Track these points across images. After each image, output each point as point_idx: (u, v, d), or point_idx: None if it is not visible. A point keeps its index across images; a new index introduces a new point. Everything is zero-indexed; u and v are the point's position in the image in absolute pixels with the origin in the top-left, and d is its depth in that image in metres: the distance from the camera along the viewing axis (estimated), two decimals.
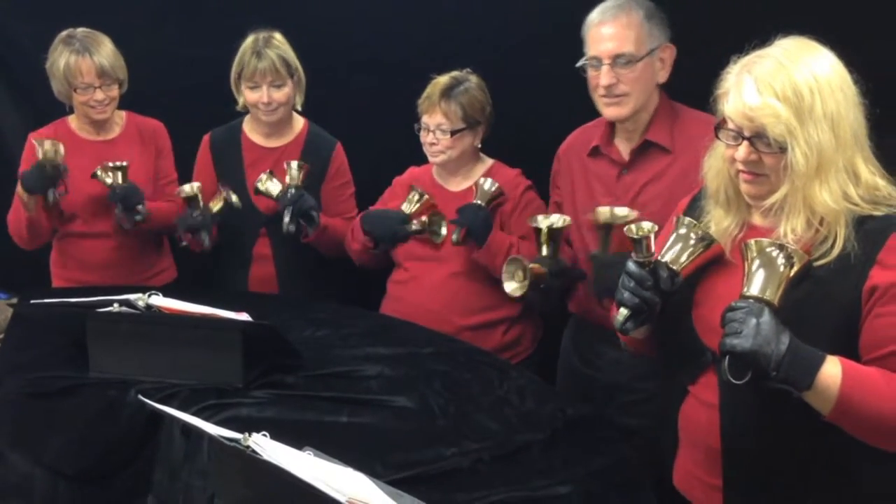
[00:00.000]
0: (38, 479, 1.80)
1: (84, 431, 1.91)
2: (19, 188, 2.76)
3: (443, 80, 2.60)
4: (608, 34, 2.21)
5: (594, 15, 2.26)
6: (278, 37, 2.81)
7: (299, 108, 2.93)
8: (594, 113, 2.35)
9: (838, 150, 1.47)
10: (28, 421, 1.95)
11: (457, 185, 2.69)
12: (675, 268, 1.58)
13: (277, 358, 2.10)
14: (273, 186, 2.76)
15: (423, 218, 2.60)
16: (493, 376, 2.15)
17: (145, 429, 1.90)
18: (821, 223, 1.49)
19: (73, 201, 2.84)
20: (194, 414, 1.74)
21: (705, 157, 1.66)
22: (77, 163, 2.81)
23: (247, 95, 2.82)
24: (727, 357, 1.41)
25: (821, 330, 1.47)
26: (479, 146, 2.67)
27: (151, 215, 2.83)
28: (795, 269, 1.45)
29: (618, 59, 2.20)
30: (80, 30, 2.82)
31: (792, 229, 1.50)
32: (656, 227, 1.62)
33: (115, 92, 2.84)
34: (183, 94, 3.22)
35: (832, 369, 1.41)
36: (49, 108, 3.02)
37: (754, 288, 1.44)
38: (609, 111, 2.28)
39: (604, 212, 2.23)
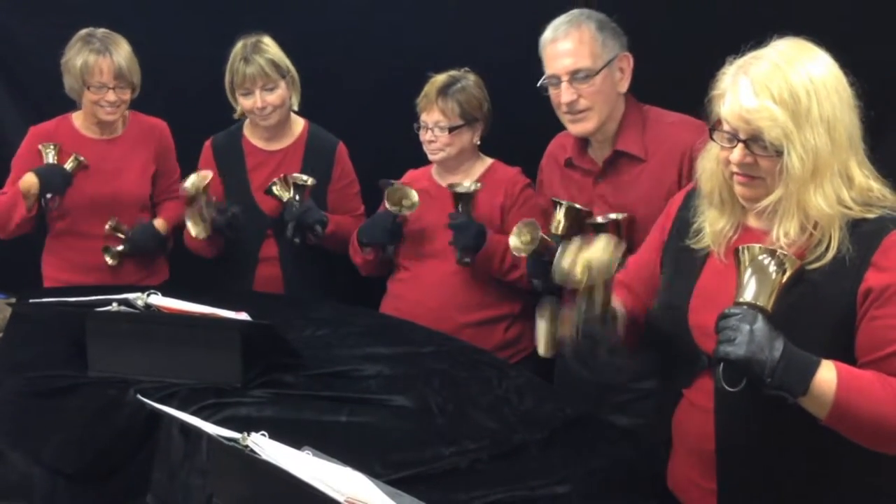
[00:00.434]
0: (37, 479, 1.79)
1: (83, 431, 1.90)
2: (21, 183, 2.75)
3: (440, 78, 2.62)
4: (563, 51, 2.22)
5: (547, 33, 2.26)
6: (266, 40, 2.80)
7: (296, 108, 2.92)
8: None
9: (834, 154, 1.45)
10: (27, 420, 1.94)
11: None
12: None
13: (276, 357, 2.10)
14: (283, 195, 2.79)
15: (398, 203, 2.61)
16: (492, 376, 2.15)
17: (144, 428, 1.90)
18: (815, 227, 1.48)
19: (70, 201, 2.84)
20: (193, 413, 1.73)
21: (699, 159, 1.65)
22: None
23: (241, 102, 2.83)
24: (721, 364, 1.41)
25: (816, 333, 1.46)
26: (479, 143, 2.67)
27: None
28: (788, 274, 1.44)
29: (575, 75, 2.22)
30: (101, 30, 2.81)
31: (785, 233, 1.49)
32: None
33: (126, 95, 2.84)
34: (183, 94, 3.22)
35: (827, 374, 1.40)
36: (48, 107, 3.02)
37: (747, 294, 1.43)
38: (575, 128, 2.29)
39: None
